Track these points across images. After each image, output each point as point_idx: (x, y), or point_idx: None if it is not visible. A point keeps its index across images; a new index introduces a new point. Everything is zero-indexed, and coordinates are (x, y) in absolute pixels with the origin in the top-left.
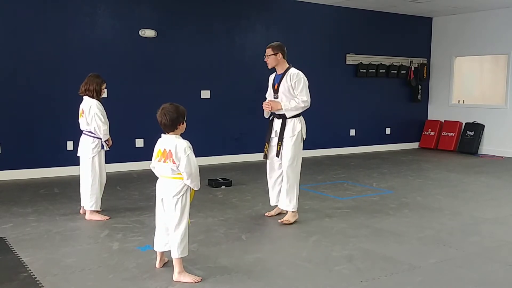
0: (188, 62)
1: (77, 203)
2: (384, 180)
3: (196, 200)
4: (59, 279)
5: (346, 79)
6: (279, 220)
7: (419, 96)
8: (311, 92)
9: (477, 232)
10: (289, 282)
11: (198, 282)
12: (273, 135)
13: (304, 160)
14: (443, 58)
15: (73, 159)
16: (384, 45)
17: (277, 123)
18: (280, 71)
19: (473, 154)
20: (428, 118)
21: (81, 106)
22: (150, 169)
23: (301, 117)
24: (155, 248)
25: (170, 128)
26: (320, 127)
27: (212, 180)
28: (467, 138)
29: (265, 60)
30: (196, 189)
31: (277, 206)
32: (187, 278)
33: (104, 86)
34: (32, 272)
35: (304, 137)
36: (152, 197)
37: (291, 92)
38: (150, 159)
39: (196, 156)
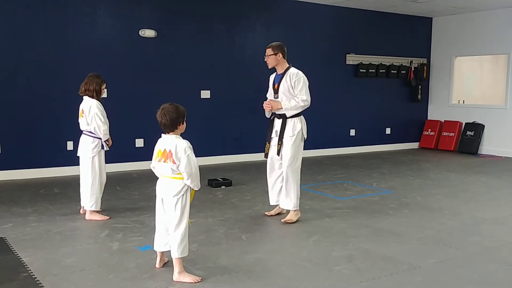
0: (188, 62)
1: (77, 203)
2: (384, 180)
3: (196, 200)
4: (59, 279)
5: (346, 79)
6: (282, 220)
7: (419, 96)
8: (311, 92)
9: (477, 232)
10: (289, 282)
11: (198, 282)
12: (273, 134)
13: (304, 160)
14: (443, 58)
15: (73, 159)
16: (384, 45)
17: (277, 122)
18: (280, 71)
19: (473, 154)
20: (428, 118)
21: (81, 106)
22: (150, 169)
23: (302, 116)
24: (155, 248)
25: (170, 128)
26: (320, 127)
27: (212, 180)
28: (467, 138)
29: (265, 60)
30: (196, 189)
31: (277, 205)
32: (187, 278)
33: (104, 86)
34: (32, 272)
35: (306, 136)
36: (152, 197)
37: (291, 92)
38: (150, 159)
39: (196, 156)
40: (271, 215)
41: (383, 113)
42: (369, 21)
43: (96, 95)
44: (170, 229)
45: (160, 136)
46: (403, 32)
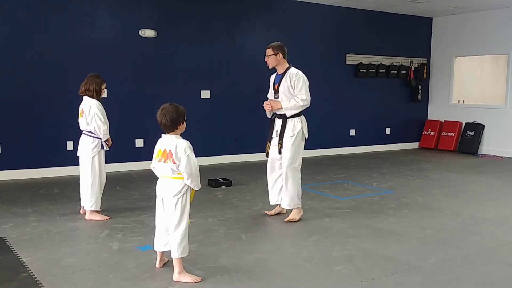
0: (188, 62)
1: (77, 203)
2: (384, 180)
3: (196, 200)
4: (59, 279)
5: (346, 79)
6: (285, 220)
7: (419, 96)
8: (311, 92)
9: (477, 232)
10: (289, 282)
11: (198, 282)
12: (274, 134)
13: (304, 160)
14: (443, 58)
15: (73, 159)
16: (384, 45)
17: (278, 122)
18: (280, 71)
19: (473, 154)
20: (428, 118)
21: (81, 106)
22: (150, 169)
23: (302, 116)
24: (155, 248)
25: (170, 128)
26: (320, 127)
27: (212, 180)
28: (467, 138)
29: (265, 60)
30: (196, 189)
31: (277, 205)
32: (187, 278)
33: (104, 86)
34: (32, 272)
35: (307, 136)
36: (152, 197)
37: (291, 92)
38: (150, 159)
39: (196, 156)
40: (271, 215)
41: (383, 113)
42: (369, 21)
43: (96, 95)
44: (170, 229)
45: (160, 136)
46: (403, 32)
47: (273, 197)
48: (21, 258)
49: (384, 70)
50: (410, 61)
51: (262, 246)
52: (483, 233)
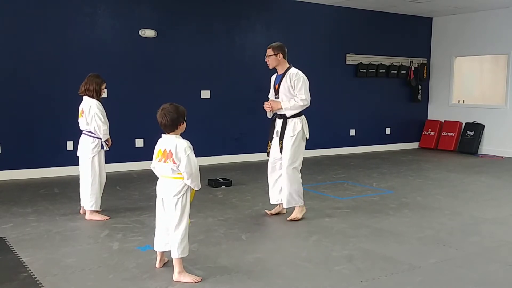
0: (188, 62)
1: (77, 203)
2: (384, 180)
3: (196, 200)
4: (59, 279)
5: (346, 79)
6: (287, 218)
7: (419, 96)
8: (311, 92)
9: (477, 232)
10: (289, 282)
11: (198, 282)
12: (275, 134)
13: (304, 160)
14: (443, 58)
15: (73, 159)
16: (384, 45)
17: (278, 122)
18: (280, 71)
19: (473, 154)
20: (428, 118)
21: (81, 106)
22: (150, 169)
23: (303, 116)
24: (155, 248)
25: (170, 128)
26: (320, 127)
27: (212, 180)
28: (467, 138)
29: (265, 60)
30: (196, 189)
31: (277, 205)
32: (187, 278)
33: (104, 86)
34: (32, 272)
35: (307, 136)
36: (152, 197)
37: (291, 92)
38: (150, 159)
39: (196, 156)
40: (271, 214)
41: (383, 113)
42: (369, 21)
43: (96, 95)
44: (170, 229)
45: (160, 136)
46: (403, 32)
47: (274, 197)
48: (21, 258)
49: (384, 70)
50: (410, 61)
51: (262, 246)
52: (483, 233)
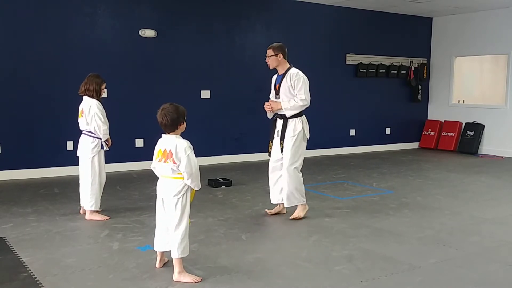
0: (188, 62)
1: (77, 203)
2: (384, 180)
3: (196, 200)
4: (59, 279)
5: (346, 79)
6: (290, 217)
7: (419, 96)
8: (311, 92)
9: (477, 232)
10: (289, 282)
11: (198, 282)
12: (275, 135)
13: (304, 160)
14: (443, 58)
15: (73, 159)
16: (384, 45)
17: (279, 123)
18: (281, 71)
19: (473, 154)
20: (428, 118)
21: (81, 106)
22: (150, 169)
23: (303, 116)
24: (155, 248)
25: (171, 128)
26: (320, 127)
27: (212, 180)
28: (467, 138)
29: (266, 61)
30: (196, 189)
31: (277, 205)
32: (187, 278)
33: (104, 86)
34: (32, 272)
35: (308, 136)
36: (152, 197)
37: (291, 92)
38: (150, 159)
39: (196, 156)
40: (271, 214)
41: (383, 113)
42: (369, 21)
43: (96, 95)
44: (170, 229)
45: (160, 136)
46: (403, 32)
47: (274, 197)
48: (21, 258)
49: (384, 70)
50: (410, 61)
51: (262, 246)
52: (483, 233)
